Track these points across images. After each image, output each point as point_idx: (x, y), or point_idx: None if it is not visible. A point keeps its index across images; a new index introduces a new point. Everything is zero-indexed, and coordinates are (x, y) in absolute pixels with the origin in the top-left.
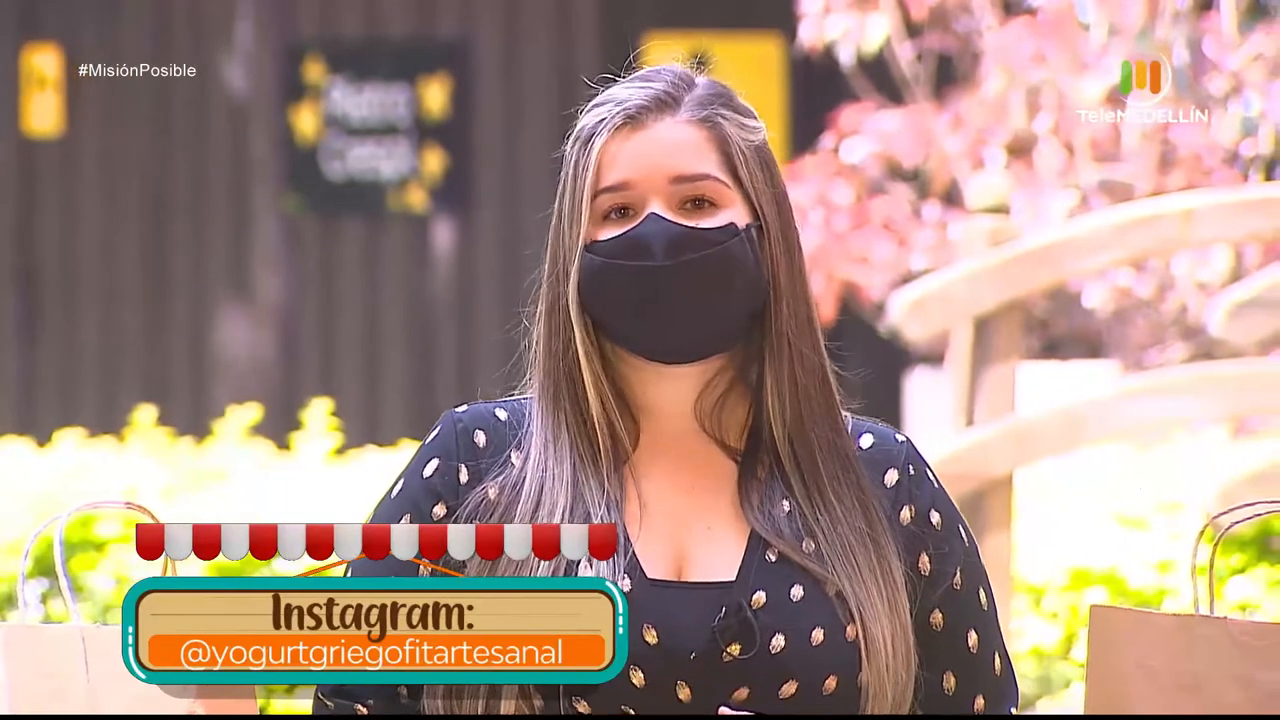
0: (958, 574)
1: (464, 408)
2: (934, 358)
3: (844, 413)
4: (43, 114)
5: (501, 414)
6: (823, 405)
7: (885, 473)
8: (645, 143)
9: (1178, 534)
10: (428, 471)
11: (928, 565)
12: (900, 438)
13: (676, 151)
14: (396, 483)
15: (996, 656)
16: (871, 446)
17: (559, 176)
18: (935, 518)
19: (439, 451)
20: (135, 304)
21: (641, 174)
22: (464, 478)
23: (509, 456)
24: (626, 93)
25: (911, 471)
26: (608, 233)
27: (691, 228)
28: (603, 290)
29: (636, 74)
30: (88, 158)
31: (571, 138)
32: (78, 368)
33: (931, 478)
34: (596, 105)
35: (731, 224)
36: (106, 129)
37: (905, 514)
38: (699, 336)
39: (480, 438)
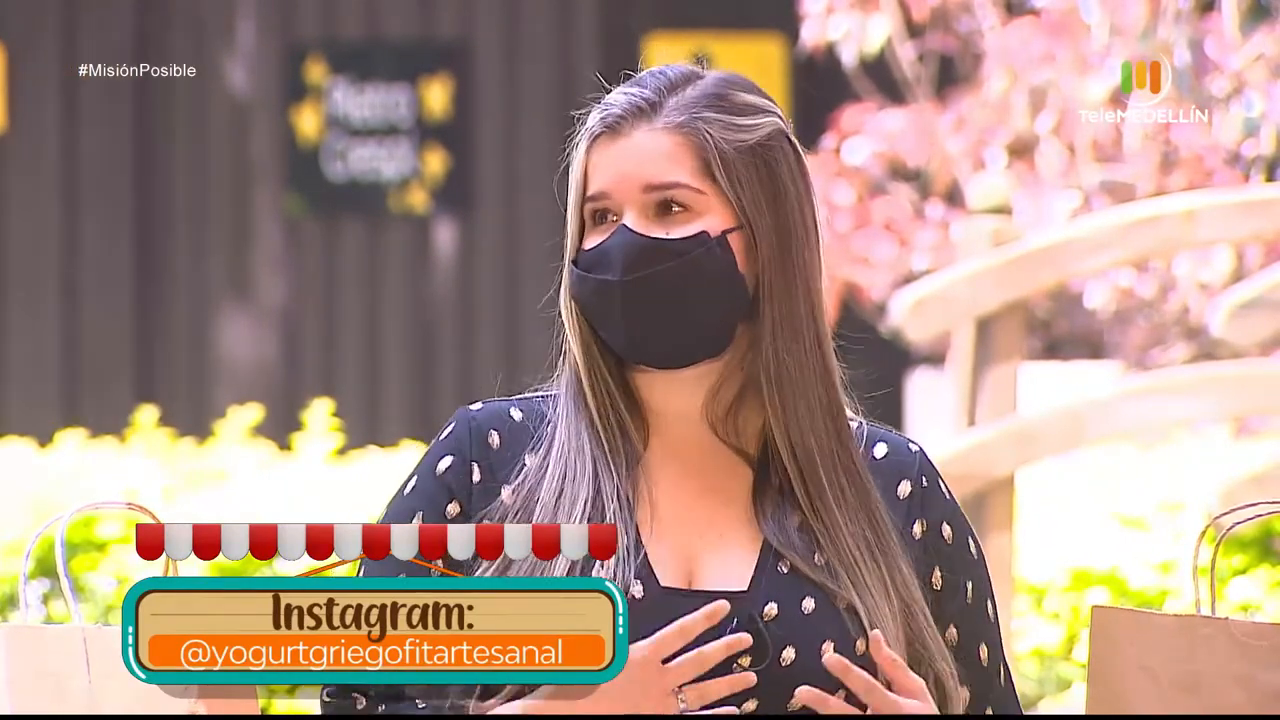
0: (969, 588)
1: (478, 405)
2: (935, 358)
3: (857, 419)
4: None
5: (516, 414)
6: (822, 410)
7: (899, 484)
8: (621, 152)
9: (1179, 534)
10: (441, 469)
11: (940, 580)
12: (914, 447)
13: (649, 160)
14: (409, 480)
15: (1002, 669)
16: (885, 456)
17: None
18: (947, 531)
19: (452, 448)
20: (136, 304)
21: (617, 184)
22: (477, 476)
23: (523, 459)
24: (614, 98)
25: (925, 483)
26: (593, 240)
27: (656, 240)
28: (580, 301)
29: (635, 76)
30: (88, 158)
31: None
32: (78, 368)
33: (944, 489)
34: (593, 110)
35: (703, 233)
36: (106, 129)
37: (917, 528)
38: (672, 345)
39: (494, 437)
